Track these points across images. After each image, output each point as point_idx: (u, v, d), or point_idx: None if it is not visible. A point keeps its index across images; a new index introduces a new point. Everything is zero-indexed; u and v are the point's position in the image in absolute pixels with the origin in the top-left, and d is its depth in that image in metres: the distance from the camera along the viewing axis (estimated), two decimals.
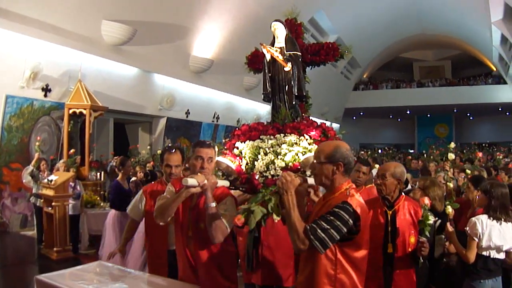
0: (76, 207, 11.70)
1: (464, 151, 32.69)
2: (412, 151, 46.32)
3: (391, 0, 30.09)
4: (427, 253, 5.07)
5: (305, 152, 6.14)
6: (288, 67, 6.92)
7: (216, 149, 5.16)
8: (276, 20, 7.26)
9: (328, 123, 39.80)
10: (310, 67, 7.82)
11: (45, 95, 14.42)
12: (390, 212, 5.29)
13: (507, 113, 45.79)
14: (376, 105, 44.82)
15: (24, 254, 12.40)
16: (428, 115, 50.86)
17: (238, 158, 6.59)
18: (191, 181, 4.40)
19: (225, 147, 6.90)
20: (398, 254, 5.14)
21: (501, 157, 23.19)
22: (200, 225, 4.69)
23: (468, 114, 50.38)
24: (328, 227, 3.61)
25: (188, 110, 22.06)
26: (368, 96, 45.66)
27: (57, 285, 5.21)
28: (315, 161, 4.08)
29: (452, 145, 9.57)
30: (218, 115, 24.70)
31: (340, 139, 6.66)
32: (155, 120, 21.50)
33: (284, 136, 6.49)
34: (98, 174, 14.39)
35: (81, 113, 14.05)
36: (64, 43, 14.35)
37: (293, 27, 7.60)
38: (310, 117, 7.40)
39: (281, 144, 6.34)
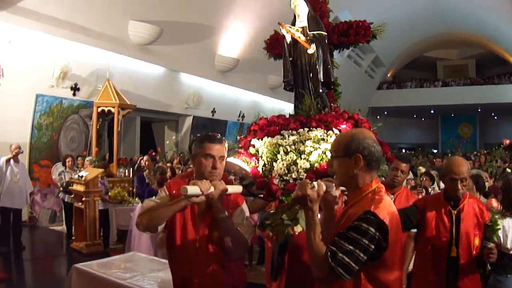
0: (105, 202, 11.94)
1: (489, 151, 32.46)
2: (436, 150, 45.81)
3: None
4: (495, 260, 4.58)
5: None
6: (312, 49, 5.95)
7: (227, 145, 4.17)
8: None
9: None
10: (339, 50, 6.87)
11: (74, 94, 14.77)
12: (455, 212, 4.78)
13: None
14: (400, 104, 44.47)
15: (53, 248, 12.76)
16: (452, 115, 50.15)
17: (254, 158, 5.55)
18: (192, 189, 3.58)
19: (240, 145, 5.84)
20: (463, 258, 4.64)
21: None
22: (213, 235, 3.88)
23: (493, 114, 49.56)
24: (351, 247, 2.89)
25: (214, 108, 22.27)
26: (392, 95, 45.35)
27: (95, 273, 5.41)
28: (331, 156, 3.39)
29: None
30: (243, 114, 24.82)
31: (377, 134, 5.67)
32: (181, 118, 21.80)
33: (308, 131, 5.37)
34: (126, 171, 14.58)
35: (109, 111, 14.32)
36: (92, 43, 14.72)
37: (317, 5, 6.55)
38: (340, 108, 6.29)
39: (305, 141, 5.25)
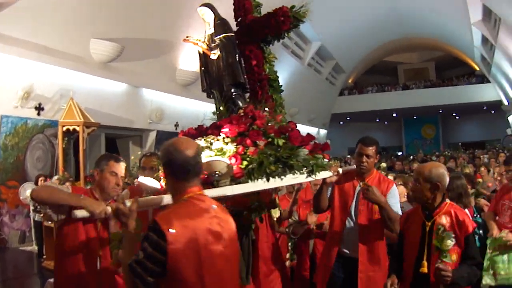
0: None
1: (450, 152, 33.37)
2: (401, 153, 46.67)
3: (372, 6, 30.59)
4: (448, 282, 4.21)
5: (221, 156, 4.77)
6: (213, 54, 5.94)
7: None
8: (202, 5, 6.21)
9: (316, 130, 40.37)
10: (269, 44, 6.30)
11: (38, 114, 14.78)
12: (429, 223, 4.53)
13: (492, 111, 46.33)
14: (362, 109, 45.18)
15: (25, 268, 12.77)
16: (415, 117, 51.10)
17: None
18: (81, 214, 3.70)
19: None
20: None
21: (481, 155, 24.15)
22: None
23: (454, 114, 50.79)
24: (142, 256, 2.89)
25: (177, 122, 22.31)
26: (354, 101, 46.16)
27: None
28: None
29: None
30: (207, 126, 24.43)
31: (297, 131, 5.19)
32: (145, 133, 21.77)
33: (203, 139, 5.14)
34: None
35: (74, 130, 14.30)
36: (55, 62, 14.76)
37: (241, 4, 6.37)
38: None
39: None
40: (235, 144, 4.80)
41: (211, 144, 4.91)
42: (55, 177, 13.39)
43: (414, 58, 52.20)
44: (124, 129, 20.15)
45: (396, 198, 5.73)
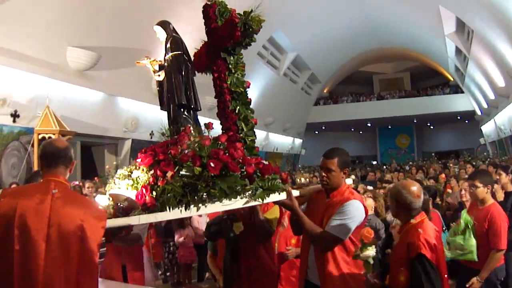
0: None
1: (424, 161, 33.79)
2: (375, 162, 47.15)
3: (347, 17, 30.87)
4: None
5: (136, 186, 4.55)
6: (158, 75, 5.87)
7: None
8: (157, 24, 6.12)
9: (291, 139, 40.47)
10: (230, 54, 5.48)
11: (14, 121, 14.72)
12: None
13: (466, 121, 47.08)
14: (337, 119, 45.70)
15: None
16: (389, 127, 51.80)
17: None
18: None
19: None
20: None
21: (451, 165, 24.39)
22: None
23: (429, 124, 51.46)
24: None
25: (152, 131, 22.22)
26: (329, 111, 46.60)
27: None
28: None
29: None
30: None
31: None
32: (120, 142, 21.78)
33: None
34: None
35: (49, 137, 14.20)
36: (31, 70, 14.75)
37: (207, 13, 5.75)
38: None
39: (115, 179, 4.92)
40: (150, 173, 4.50)
41: (131, 172, 4.75)
42: None
43: (389, 69, 52.75)
44: (100, 137, 20.12)
45: (343, 215, 4.78)
